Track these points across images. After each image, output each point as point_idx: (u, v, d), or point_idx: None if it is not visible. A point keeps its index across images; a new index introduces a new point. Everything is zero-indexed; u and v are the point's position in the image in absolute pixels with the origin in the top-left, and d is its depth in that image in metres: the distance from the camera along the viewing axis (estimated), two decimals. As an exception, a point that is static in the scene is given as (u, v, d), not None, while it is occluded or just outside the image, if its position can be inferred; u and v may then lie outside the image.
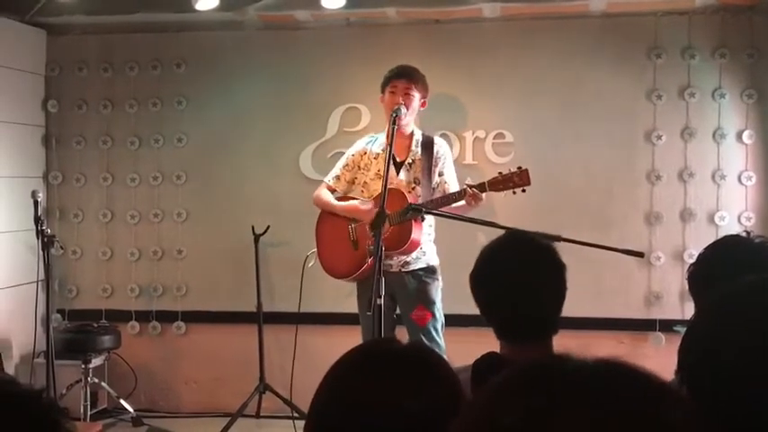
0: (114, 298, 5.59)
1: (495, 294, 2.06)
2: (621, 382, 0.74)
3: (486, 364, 1.97)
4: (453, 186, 4.43)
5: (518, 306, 2.02)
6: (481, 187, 4.14)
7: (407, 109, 4.33)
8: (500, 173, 4.14)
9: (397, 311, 4.49)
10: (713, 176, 5.06)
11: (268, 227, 5.22)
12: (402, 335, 4.37)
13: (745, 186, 5.05)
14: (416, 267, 4.39)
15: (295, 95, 5.38)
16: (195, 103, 5.50)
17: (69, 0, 5.07)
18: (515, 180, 4.09)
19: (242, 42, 5.48)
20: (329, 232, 4.51)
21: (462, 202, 4.18)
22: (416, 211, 4.13)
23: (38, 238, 4.56)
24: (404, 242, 4.22)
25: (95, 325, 5.39)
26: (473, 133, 5.21)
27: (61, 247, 5.23)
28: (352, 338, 3.59)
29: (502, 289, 2.04)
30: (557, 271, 2.06)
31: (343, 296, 4.88)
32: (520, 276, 2.04)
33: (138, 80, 5.55)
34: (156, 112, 5.53)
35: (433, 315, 4.34)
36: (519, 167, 4.12)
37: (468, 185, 4.17)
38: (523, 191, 4.10)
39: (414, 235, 4.23)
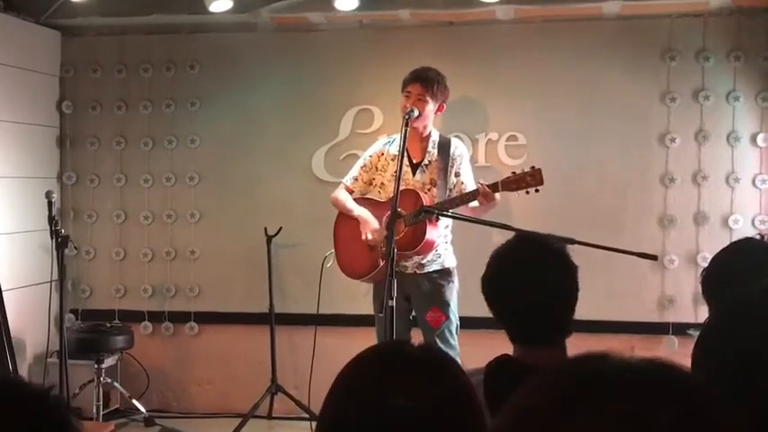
0: (127, 298, 5.61)
1: (507, 298, 2.04)
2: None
3: (499, 366, 1.97)
4: (470, 187, 4.42)
5: (529, 309, 2.00)
6: (494, 187, 4.16)
7: (421, 113, 4.34)
8: (513, 172, 4.16)
9: (413, 313, 4.49)
10: (727, 179, 5.03)
11: (280, 228, 5.23)
12: (417, 337, 4.36)
13: (760, 189, 5.02)
14: (431, 269, 4.39)
15: (308, 97, 5.39)
16: (208, 105, 5.51)
17: (84, 2, 5.10)
18: (528, 180, 4.11)
19: (255, 44, 5.49)
20: (346, 233, 4.51)
21: (476, 203, 4.20)
22: (428, 213, 4.14)
23: (52, 239, 4.59)
24: (418, 243, 4.22)
25: (108, 325, 5.41)
26: (486, 135, 5.21)
27: (75, 248, 5.26)
28: (366, 340, 3.59)
29: (513, 292, 2.03)
30: (568, 272, 2.04)
31: (357, 297, 4.88)
32: (530, 279, 2.02)
33: (152, 81, 5.57)
34: (169, 113, 5.55)
35: (448, 317, 4.33)
36: (532, 167, 4.14)
37: (482, 184, 4.18)
38: (537, 191, 4.10)
39: (428, 235, 4.22)
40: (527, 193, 4.13)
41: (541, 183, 4.09)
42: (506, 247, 2.12)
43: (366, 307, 4.64)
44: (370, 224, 4.38)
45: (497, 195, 4.18)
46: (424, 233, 4.22)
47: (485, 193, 4.14)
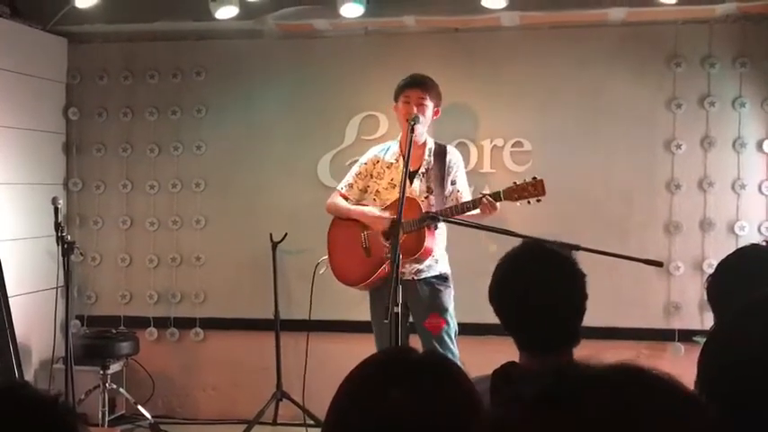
0: (133, 304, 5.62)
1: (514, 306, 2.03)
2: (636, 387, 0.74)
3: (505, 374, 1.96)
4: (466, 194, 4.45)
5: (537, 317, 1.99)
6: (496, 196, 4.16)
7: (423, 118, 4.36)
8: (515, 182, 4.15)
9: (411, 319, 4.48)
10: (733, 186, 5.02)
11: (286, 234, 5.23)
12: (414, 343, 4.36)
13: (766, 196, 5.01)
14: (429, 275, 4.40)
15: (313, 103, 5.40)
16: (214, 111, 5.53)
17: (90, 8, 5.12)
18: (530, 190, 4.11)
19: (261, 51, 5.50)
20: (341, 239, 4.51)
21: (476, 211, 4.20)
22: (433, 219, 4.15)
23: (58, 245, 4.59)
24: (417, 250, 4.23)
25: (114, 331, 5.42)
26: (491, 141, 5.21)
27: (81, 254, 5.27)
28: (365, 346, 3.58)
29: (520, 300, 2.01)
30: (576, 280, 2.03)
31: (355, 304, 4.88)
32: (538, 287, 2.01)
33: (158, 88, 5.58)
34: (175, 119, 5.56)
35: (447, 322, 4.35)
36: (534, 177, 4.14)
37: (483, 194, 4.19)
38: (538, 200, 4.10)
39: (427, 243, 4.24)
40: (528, 203, 4.12)
41: (543, 193, 4.09)
42: (512, 254, 2.11)
43: (362, 313, 4.62)
44: (379, 214, 4.34)
45: (498, 204, 4.18)
46: (423, 240, 4.23)
47: (487, 204, 4.14)
